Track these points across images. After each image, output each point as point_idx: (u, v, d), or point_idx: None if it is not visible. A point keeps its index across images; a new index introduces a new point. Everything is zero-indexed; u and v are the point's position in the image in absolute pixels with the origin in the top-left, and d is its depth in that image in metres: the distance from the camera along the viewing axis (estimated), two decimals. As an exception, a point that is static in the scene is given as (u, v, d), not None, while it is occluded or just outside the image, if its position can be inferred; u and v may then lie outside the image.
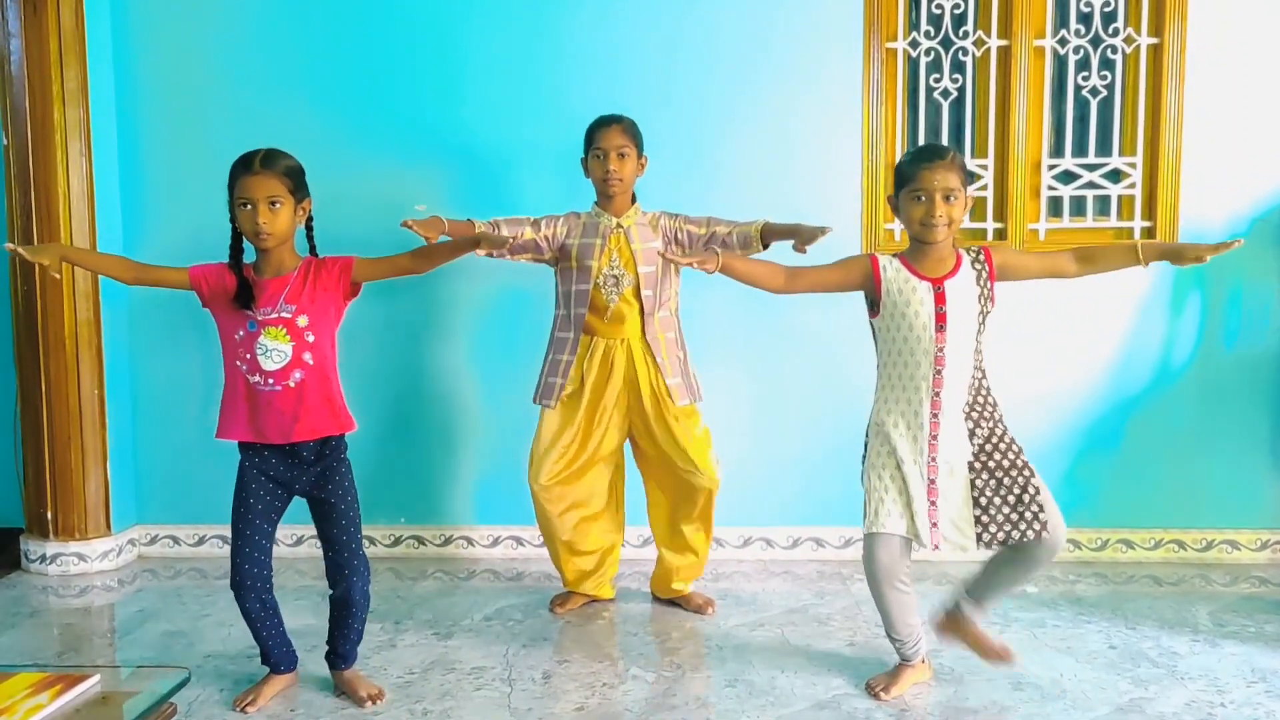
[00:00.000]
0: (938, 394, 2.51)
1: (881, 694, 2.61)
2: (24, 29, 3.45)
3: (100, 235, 3.60)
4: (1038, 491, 2.52)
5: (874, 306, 2.59)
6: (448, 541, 3.80)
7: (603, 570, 3.28)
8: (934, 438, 2.52)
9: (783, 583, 3.50)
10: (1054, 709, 2.53)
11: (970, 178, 2.48)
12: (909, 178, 2.49)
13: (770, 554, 3.74)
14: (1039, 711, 2.52)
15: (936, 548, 2.52)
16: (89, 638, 3.12)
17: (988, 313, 2.55)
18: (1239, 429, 3.62)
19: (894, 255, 2.59)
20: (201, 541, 3.83)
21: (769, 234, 3.01)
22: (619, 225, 3.07)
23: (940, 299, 2.50)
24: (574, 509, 3.19)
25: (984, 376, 2.57)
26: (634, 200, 3.12)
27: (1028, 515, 2.51)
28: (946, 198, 2.46)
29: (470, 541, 3.79)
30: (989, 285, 2.54)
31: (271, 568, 2.60)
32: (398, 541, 3.79)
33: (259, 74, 3.66)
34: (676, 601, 3.29)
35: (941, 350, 2.50)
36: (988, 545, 2.53)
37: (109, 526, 3.70)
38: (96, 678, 1.80)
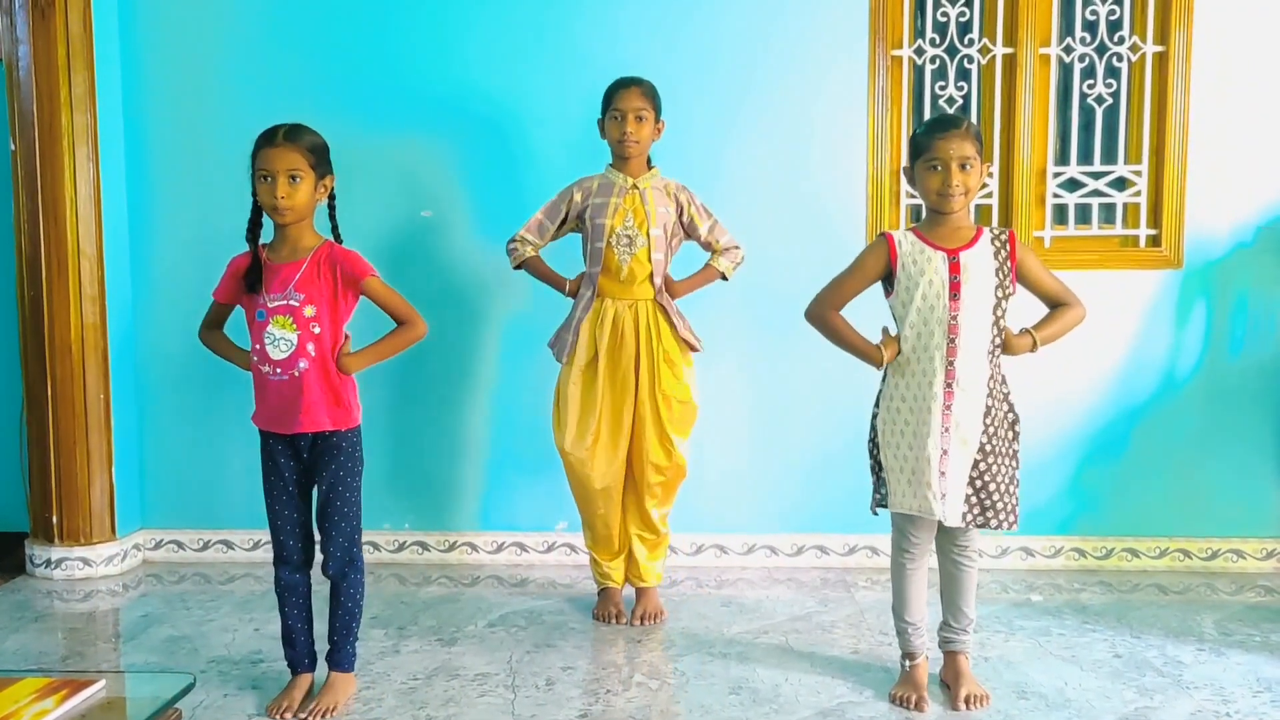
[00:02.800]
0: (952, 363, 2.49)
1: (925, 706, 2.57)
2: (32, 35, 3.46)
3: (107, 240, 3.61)
4: (1019, 484, 2.56)
5: (889, 284, 2.59)
6: (452, 548, 3.80)
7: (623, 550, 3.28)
8: (948, 408, 2.50)
9: (786, 590, 3.49)
10: (1059, 718, 2.52)
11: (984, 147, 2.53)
12: (924, 148, 2.49)
13: (774, 561, 3.73)
14: (1044, 720, 2.51)
15: (945, 519, 2.53)
16: (94, 642, 3.12)
17: (1007, 290, 2.52)
18: (1244, 437, 3.62)
19: (909, 228, 2.60)
20: (206, 546, 3.83)
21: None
22: (635, 186, 3.09)
23: (955, 269, 2.49)
24: (615, 487, 3.18)
25: (999, 355, 2.55)
26: (650, 164, 3.15)
27: (1010, 504, 2.54)
28: (962, 166, 2.46)
29: (474, 548, 3.79)
30: (1008, 266, 2.52)
31: (313, 549, 2.62)
32: (402, 547, 3.80)
33: (265, 78, 3.66)
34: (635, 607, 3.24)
35: (955, 319, 2.48)
36: (968, 524, 2.54)
37: (114, 531, 3.70)
38: (101, 683, 1.80)
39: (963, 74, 3.64)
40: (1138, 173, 3.61)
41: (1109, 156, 3.64)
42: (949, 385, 2.50)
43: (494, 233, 3.50)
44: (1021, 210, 3.61)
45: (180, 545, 3.84)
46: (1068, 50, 3.60)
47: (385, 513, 3.77)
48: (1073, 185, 3.64)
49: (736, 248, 3.20)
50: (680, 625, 3.17)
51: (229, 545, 3.82)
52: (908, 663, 2.67)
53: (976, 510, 2.53)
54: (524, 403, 3.68)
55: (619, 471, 3.18)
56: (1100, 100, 3.62)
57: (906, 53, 3.62)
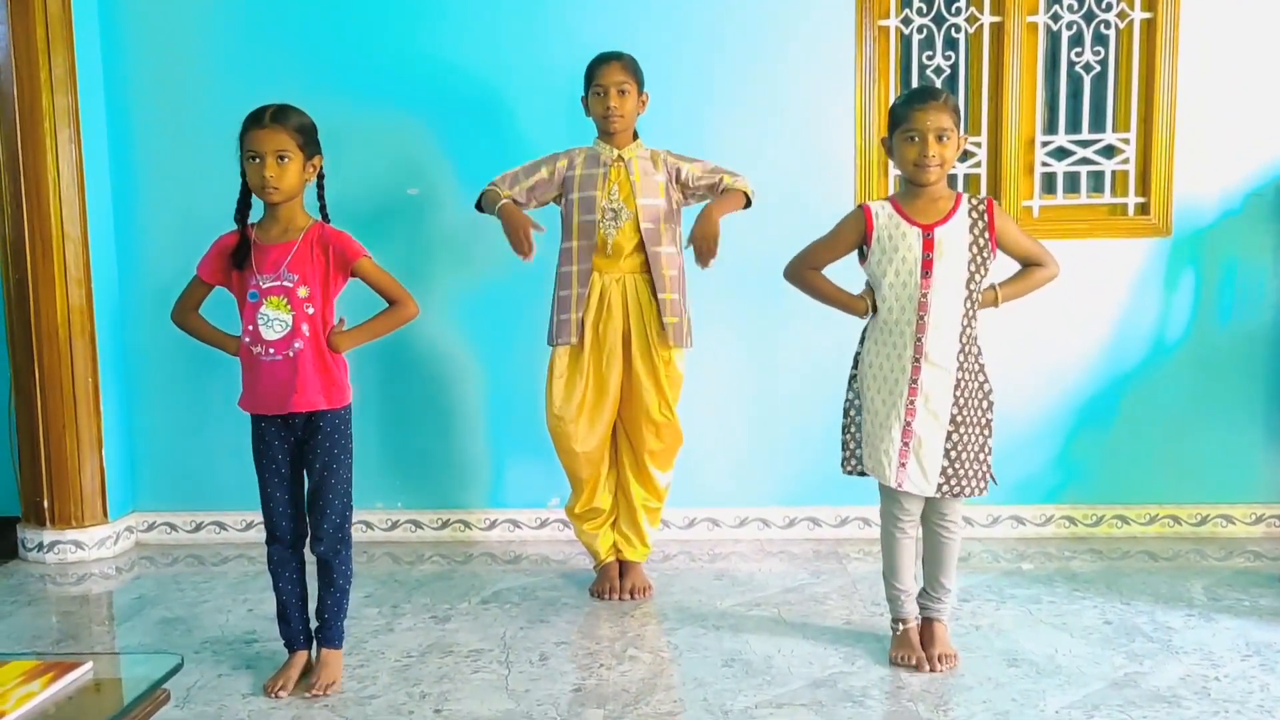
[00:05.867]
0: (920, 339, 2.52)
1: (927, 666, 2.61)
2: (10, 16, 3.42)
3: (91, 222, 3.59)
4: (990, 451, 2.60)
5: (865, 253, 2.62)
6: (445, 525, 3.80)
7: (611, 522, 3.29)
8: (914, 381, 2.54)
9: (779, 562, 3.51)
10: (1049, 684, 2.54)
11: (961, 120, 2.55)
12: (902, 118, 2.51)
13: (767, 534, 3.74)
14: (1034, 687, 2.52)
15: (900, 485, 2.57)
16: (87, 625, 3.12)
17: (985, 260, 2.54)
18: (1234, 404, 3.63)
19: (887, 199, 2.61)
20: (199, 528, 3.83)
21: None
22: (620, 157, 3.08)
23: (929, 245, 2.51)
24: (597, 452, 3.19)
25: (975, 325, 2.57)
26: (635, 136, 3.14)
27: (981, 471, 2.57)
28: (939, 138, 2.47)
29: (467, 525, 3.80)
30: (987, 236, 2.54)
31: (305, 528, 2.61)
32: (395, 526, 3.80)
33: (248, 57, 3.63)
34: (622, 582, 3.25)
35: (925, 296, 2.51)
36: (943, 494, 2.57)
37: (106, 514, 3.70)
38: (89, 665, 1.80)
39: (950, 43, 3.62)
40: (1126, 140, 3.60)
41: (1097, 124, 3.63)
42: (916, 360, 2.53)
43: (479, 215, 3.48)
44: (1010, 179, 3.60)
45: (173, 527, 3.84)
46: (1055, 18, 3.58)
47: (378, 491, 3.77)
48: (1061, 154, 3.63)
49: (740, 176, 3.14)
50: (673, 599, 3.18)
51: (222, 526, 3.82)
52: (900, 626, 2.70)
53: (953, 481, 2.56)
54: (515, 379, 3.68)
55: (601, 439, 3.17)
56: (1088, 68, 3.60)
57: (893, 22, 3.59)
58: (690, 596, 3.20)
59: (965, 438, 2.55)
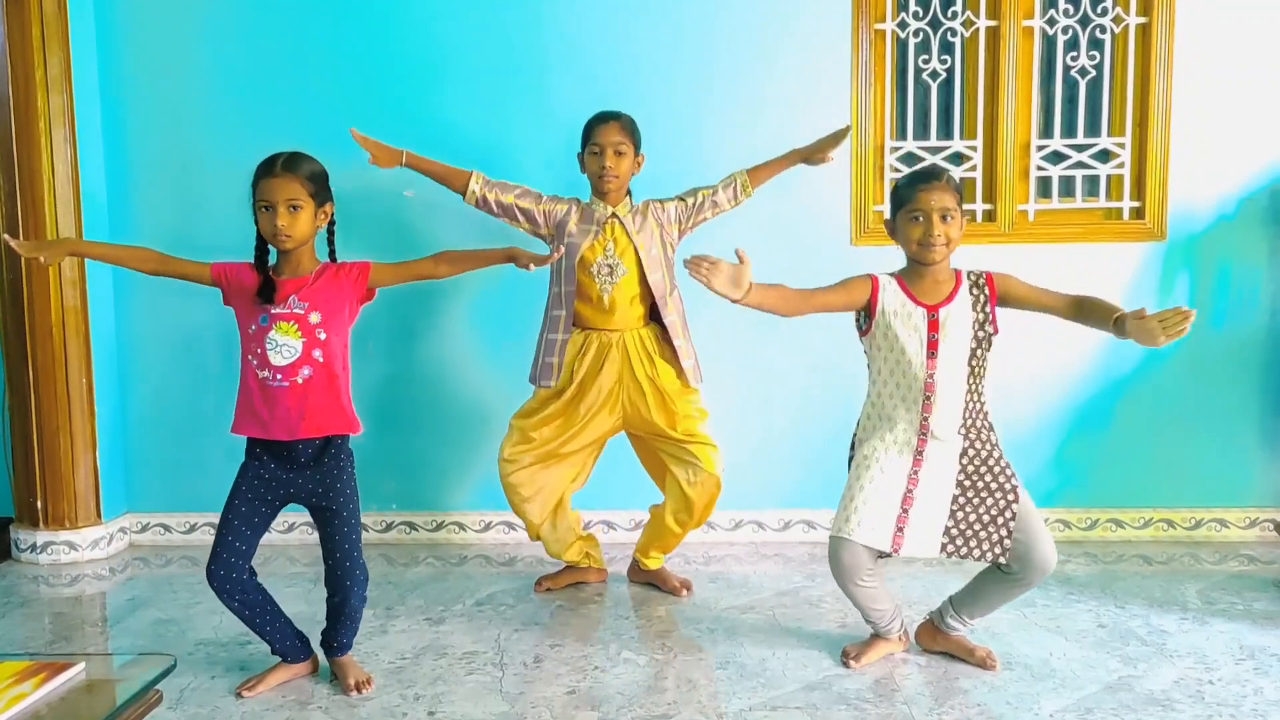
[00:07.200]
0: (926, 419, 2.53)
1: (852, 662, 2.67)
2: (5, 15, 3.42)
3: (86, 222, 3.58)
4: (1013, 517, 2.51)
5: (864, 325, 2.61)
6: (439, 527, 3.79)
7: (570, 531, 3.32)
8: (919, 453, 2.54)
9: (774, 565, 3.51)
10: (1043, 688, 2.54)
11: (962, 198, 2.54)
12: (906, 199, 2.53)
13: (761, 536, 3.74)
14: (1028, 690, 2.53)
15: (896, 551, 2.54)
16: (80, 626, 3.11)
17: (988, 336, 2.54)
18: (1228, 408, 3.63)
19: (892, 275, 2.60)
20: (192, 529, 3.82)
21: (758, 176, 3.12)
22: (614, 215, 3.07)
23: (934, 326, 2.52)
24: (539, 495, 3.21)
25: (981, 398, 2.57)
26: (628, 194, 3.13)
27: (994, 537, 2.52)
28: (944, 217, 2.49)
29: (462, 527, 3.79)
30: (989, 311, 2.54)
31: (249, 570, 2.57)
32: (389, 528, 3.79)
33: (242, 60, 3.63)
34: (653, 583, 3.30)
35: (932, 377, 2.51)
36: (948, 555, 2.55)
37: (99, 515, 3.69)
38: (81, 666, 1.80)
39: (946, 47, 3.63)
40: (1121, 145, 3.60)
41: (1092, 129, 3.64)
42: (922, 435, 2.54)
43: (479, 216, 3.47)
44: (1005, 183, 3.60)
45: (167, 528, 3.83)
46: (1051, 22, 3.59)
47: (372, 494, 3.75)
48: (1056, 158, 3.64)
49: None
50: (667, 601, 3.18)
51: (215, 528, 3.80)
52: (886, 634, 2.74)
53: (958, 541, 2.54)
54: (510, 382, 3.66)
55: (546, 485, 3.20)
56: (1084, 73, 3.61)
57: (890, 26, 3.60)
58: (685, 599, 3.20)
59: (974, 500, 2.53)
